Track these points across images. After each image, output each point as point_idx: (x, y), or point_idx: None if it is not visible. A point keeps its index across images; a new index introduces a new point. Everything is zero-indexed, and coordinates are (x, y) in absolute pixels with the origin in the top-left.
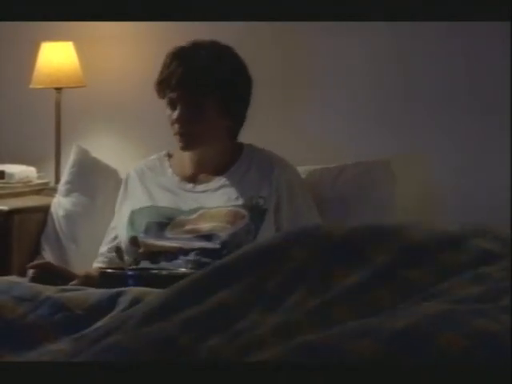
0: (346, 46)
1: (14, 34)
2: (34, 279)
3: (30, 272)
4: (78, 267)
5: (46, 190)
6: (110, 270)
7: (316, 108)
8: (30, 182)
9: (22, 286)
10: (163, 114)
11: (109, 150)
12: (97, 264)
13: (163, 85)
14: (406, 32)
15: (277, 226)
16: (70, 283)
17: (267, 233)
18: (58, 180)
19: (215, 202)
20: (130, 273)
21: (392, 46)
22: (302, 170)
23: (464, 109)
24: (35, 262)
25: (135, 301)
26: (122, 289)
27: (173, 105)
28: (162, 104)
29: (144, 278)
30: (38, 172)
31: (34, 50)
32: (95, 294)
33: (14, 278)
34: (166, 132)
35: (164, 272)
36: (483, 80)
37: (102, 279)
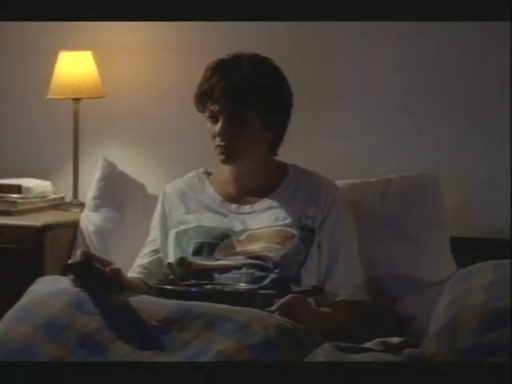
0: (375, 56)
1: (31, 42)
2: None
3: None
4: None
5: (64, 204)
6: (169, 287)
7: (342, 120)
8: (47, 196)
9: (89, 299)
10: (182, 125)
11: (128, 162)
12: (132, 274)
13: (204, 98)
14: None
15: (317, 243)
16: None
17: (316, 253)
18: (76, 194)
19: (261, 223)
20: (193, 289)
21: (421, 53)
22: (339, 184)
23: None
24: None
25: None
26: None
27: (214, 118)
28: (181, 115)
29: (208, 295)
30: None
31: (50, 60)
32: (167, 305)
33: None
34: (186, 143)
35: (227, 288)
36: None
37: (160, 295)
